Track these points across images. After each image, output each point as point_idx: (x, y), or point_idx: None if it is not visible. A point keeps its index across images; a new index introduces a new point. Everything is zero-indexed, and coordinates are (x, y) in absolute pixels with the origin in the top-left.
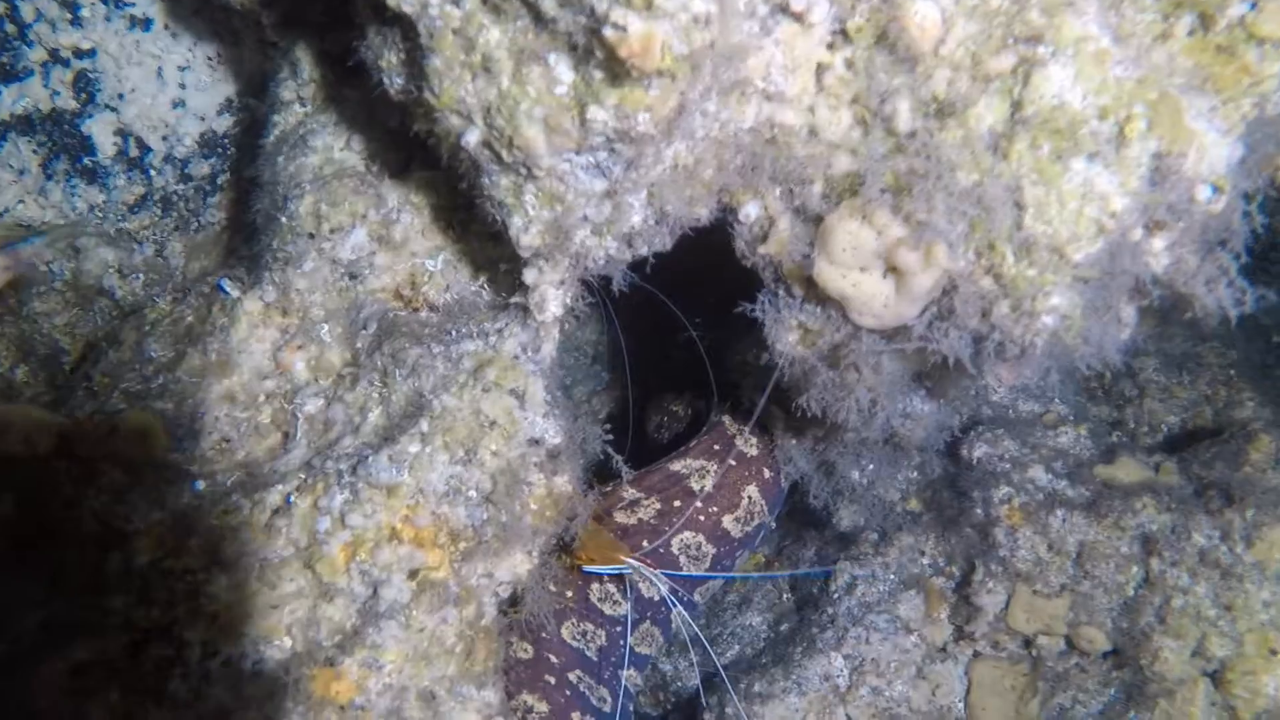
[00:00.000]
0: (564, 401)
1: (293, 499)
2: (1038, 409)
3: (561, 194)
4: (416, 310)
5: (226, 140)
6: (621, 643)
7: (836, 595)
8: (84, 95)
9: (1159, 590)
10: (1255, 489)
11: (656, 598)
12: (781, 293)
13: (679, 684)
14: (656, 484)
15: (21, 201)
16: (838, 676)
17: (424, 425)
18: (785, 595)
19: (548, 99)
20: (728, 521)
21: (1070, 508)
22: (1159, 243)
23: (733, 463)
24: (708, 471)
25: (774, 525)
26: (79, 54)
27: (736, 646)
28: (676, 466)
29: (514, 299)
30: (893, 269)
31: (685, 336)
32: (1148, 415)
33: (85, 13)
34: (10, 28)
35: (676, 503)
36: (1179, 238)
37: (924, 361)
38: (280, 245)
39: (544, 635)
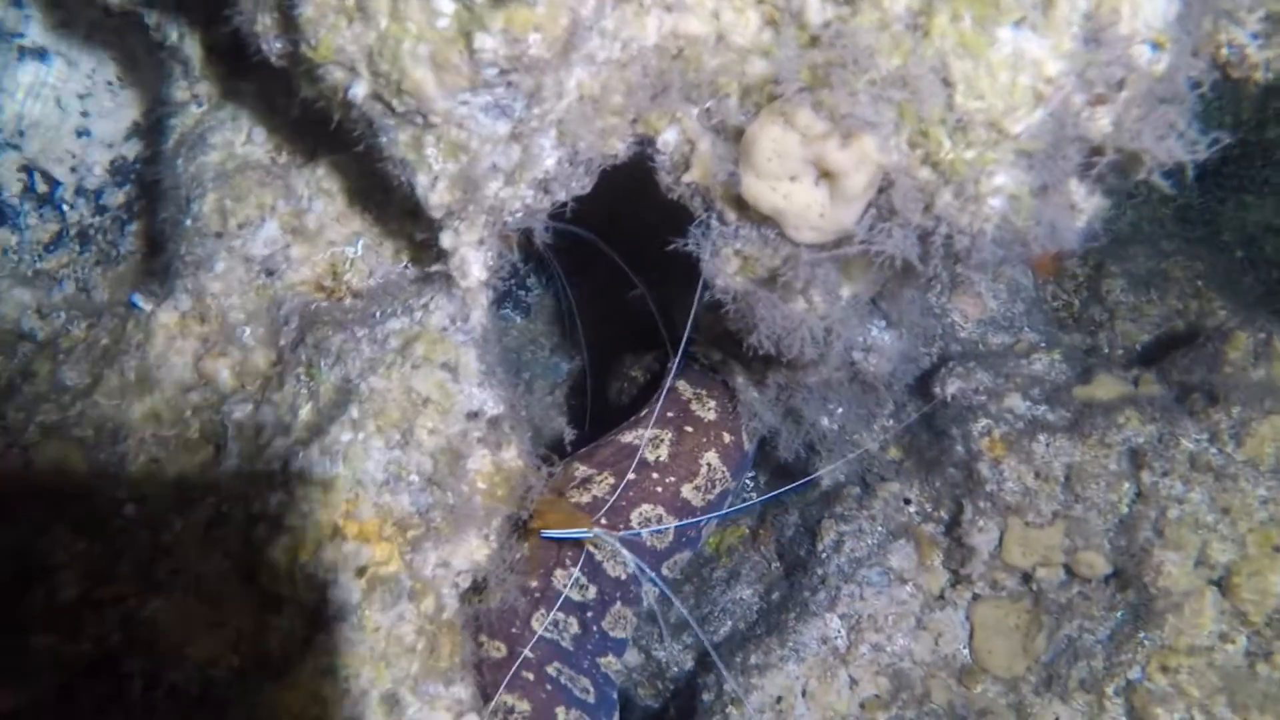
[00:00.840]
0: (503, 372)
1: (225, 509)
2: (1008, 339)
3: (464, 142)
4: (340, 300)
5: (138, 165)
6: (595, 629)
7: (825, 554)
8: None
9: (1153, 503)
10: (1238, 386)
11: (624, 576)
12: (714, 221)
13: (675, 669)
14: (608, 458)
15: None
16: (836, 638)
17: (354, 412)
18: (774, 564)
19: (431, 34)
20: (687, 490)
21: (1052, 432)
22: (1102, 109)
23: (689, 429)
24: (662, 440)
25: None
26: None
27: (729, 622)
28: (628, 438)
29: (434, 267)
30: (824, 174)
31: (637, 294)
32: (1121, 337)
33: None
34: None
35: (631, 475)
36: (1123, 105)
37: (872, 275)
38: (189, 249)
39: (514, 630)
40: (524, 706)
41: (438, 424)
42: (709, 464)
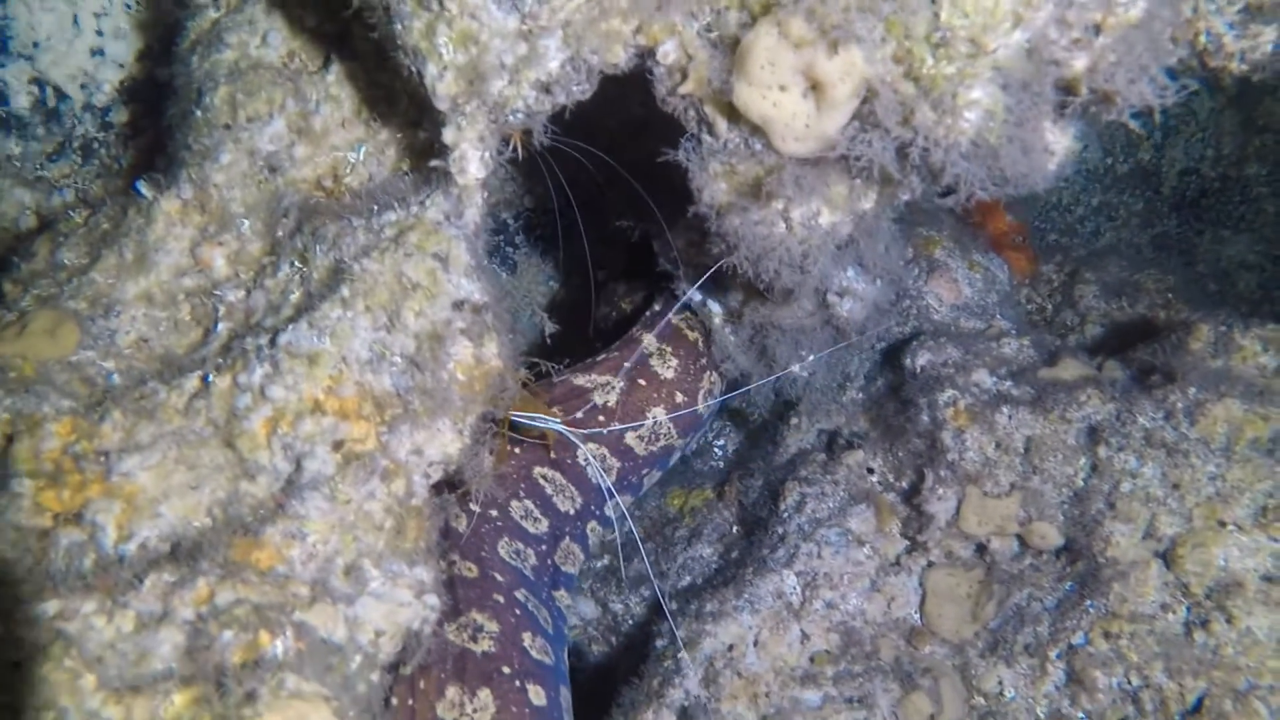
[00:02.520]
0: (491, 275)
1: (211, 378)
2: (980, 325)
3: (475, 33)
4: (339, 199)
5: (148, 86)
6: (549, 562)
7: (786, 514)
8: None
9: (1107, 477)
10: (1196, 370)
11: (571, 511)
12: (704, 135)
13: (631, 622)
14: (559, 395)
15: None
16: (790, 594)
17: (344, 291)
18: (735, 527)
19: None
20: (630, 438)
21: (1016, 405)
22: (1080, 50)
23: (641, 382)
24: (612, 388)
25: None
26: None
27: (688, 578)
28: (580, 380)
29: (434, 162)
30: (812, 85)
31: (632, 227)
32: (1090, 342)
33: None
34: None
35: (579, 415)
36: (1098, 49)
37: (851, 199)
38: (196, 139)
39: (484, 554)
40: (493, 627)
41: (425, 308)
42: (654, 418)
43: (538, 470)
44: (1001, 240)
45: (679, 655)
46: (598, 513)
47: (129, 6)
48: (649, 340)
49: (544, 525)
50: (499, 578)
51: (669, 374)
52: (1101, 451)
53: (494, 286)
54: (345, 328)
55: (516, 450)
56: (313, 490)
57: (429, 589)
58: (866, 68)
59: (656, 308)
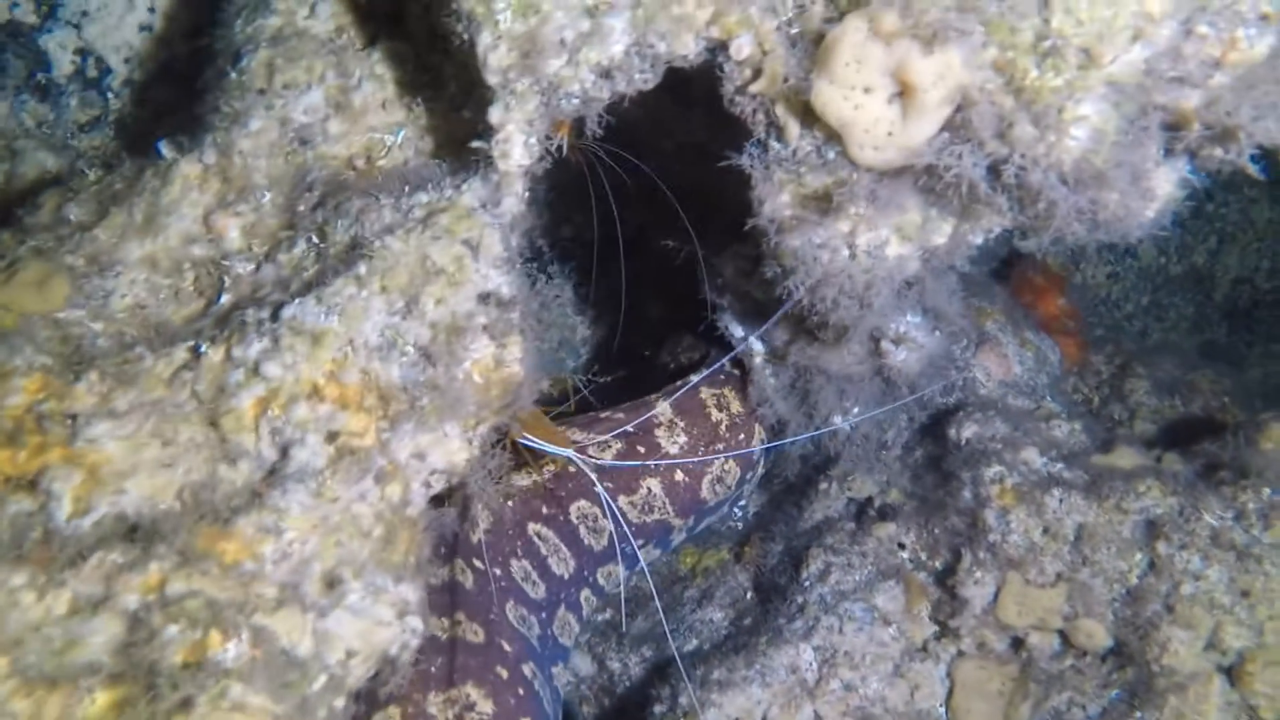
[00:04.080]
0: (523, 276)
1: (204, 349)
2: (1028, 404)
3: (537, 3)
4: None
5: (192, 65)
6: (549, 632)
7: (807, 582)
8: (45, 9)
9: (1166, 576)
10: (1269, 469)
11: (566, 575)
12: (773, 140)
13: (627, 682)
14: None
15: None
16: (806, 669)
17: (361, 268)
18: (749, 593)
19: None
20: (623, 502)
21: (1068, 488)
22: (1195, 83)
23: (640, 449)
24: (608, 447)
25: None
26: None
27: (694, 641)
28: (578, 435)
29: (475, 143)
30: (901, 89)
31: (678, 249)
32: (1140, 439)
33: None
34: None
35: (570, 469)
36: (1217, 84)
37: (924, 229)
38: (227, 102)
39: (492, 617)
40: (486, 708)
41: (447, 296)
42: (649, 489)
43: (531, 527)
44: (1053, 324)
45: None
46: (590, 579)
47: None
48: (662, 408)
49: (541, 590)
50: (506, 647)
51: (673, 449)
52: (1161, 548)
53: (526, 288)
54: (357, 307)
55: (509, 502)
56: (297, 483)
57: (413, 610)
58: (964, 72)
59: (700, 374)
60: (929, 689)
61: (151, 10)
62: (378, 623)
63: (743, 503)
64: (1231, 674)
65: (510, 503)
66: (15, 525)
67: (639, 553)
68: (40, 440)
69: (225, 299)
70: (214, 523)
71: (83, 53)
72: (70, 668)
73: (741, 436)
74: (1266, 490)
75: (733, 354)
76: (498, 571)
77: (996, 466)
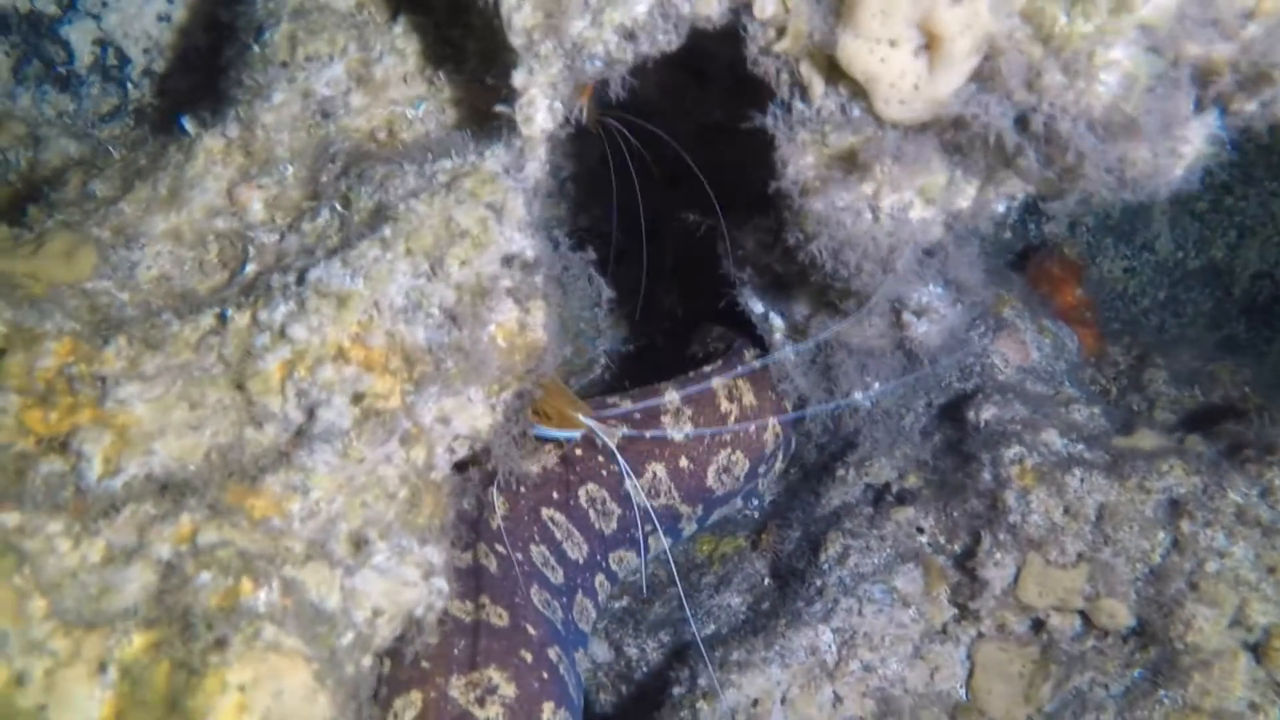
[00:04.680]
0: (546, 241)
1: (229, 313)
2: (1047, 390)
3: None
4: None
5: (211, 55)
6: (571, 616)
7: (826, 565)
8: (66, 0)
9: (1190, 554)
10: None
11: (581, 559)
12: (796, 100)
13: (644, 669)
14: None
15: None
16: (825, 650)
17: (386, 231)
18: (767, 579)
19: None
20: (629, 486)
21: (1089, 468)
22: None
23: (646, 434)
24: (615, 433)
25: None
26: None
27: (712, 626)
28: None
29: (499, 107)
30: (928, 41)
31: (698, 221)
32: (1159, 427)
33: None
34: None
35: (578, 452)
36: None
37: (950, 188)
38: (250, 76)
39: (518, 600)
40: (509, 691)
41: (472, 257)
42: (655, 473)
43: (545, 512)
44: (1070, 314)
45: (698, 705)
46: (604, 564)
47: None
48: (670, 396)
49: (560, 575)
50: (531, 631)
51: (678, 436)
52: (1185, 526)
53: (549, 252)
54: (382, 270)
55: (522, 489)
56: (324, 443)
57: (438, 571)
58: (991, 21)
59: (717, 364)
60: (949, 670)
61: (170, 1)
62: (404, 583)
63: (758, 496)
64: (1258, 650)
65: (523, 488)
66: (48, 484)
67: (649, 539)
68: (71, 401)
69: (249, 269)
70: (242, 480)
71: (103, 43)
72: (106, 613)
73: (752, 429)
74: None
75: (749, 366)
76: (519, 556)
77: (1016, 447)
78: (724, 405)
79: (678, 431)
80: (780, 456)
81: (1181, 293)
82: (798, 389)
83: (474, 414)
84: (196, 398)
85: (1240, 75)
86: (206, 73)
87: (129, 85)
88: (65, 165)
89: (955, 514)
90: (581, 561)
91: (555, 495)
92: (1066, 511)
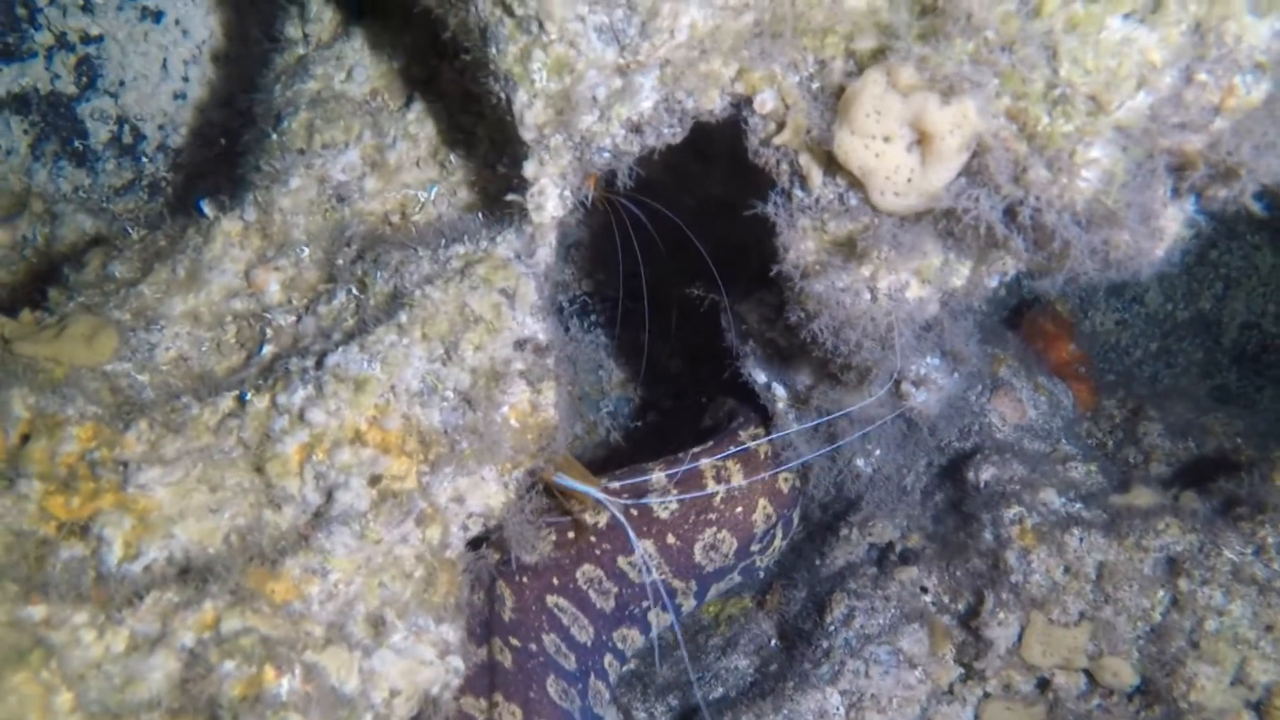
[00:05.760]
0: (556, 323)
1: (248, 396)
2: (1044, 447)
3: (571, 62)
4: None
5: (224, 131)
6: (587, 701)
7: (832, 627)
8: (85, 80)
9: (1190, 612)
10: None
11: (589, 643)
12: (796, 189)
13: None
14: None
15: (4, 179)
16: (833, 714)
17: (402, 317)
18: (774, 640)
19: None
20: (622, 562)
21: (1088, 527)
22: (1198, 129)
23: (633, 512)
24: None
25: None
26: (86, 39)
27: (720, 689)
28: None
29: (511, 196)
30: (919, 138)
31: (701, 296)
32: (1155, 479)
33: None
34: (22, 10)
35: (569, 535)
36: (1219, 127)
37: (942, 271)
38: (268, 161)
39: (532, 695)
40: None
41: (485, 343)
42: (642, 549)
43: (550, 599)
44: (1064, 369)
45: None
46: (610, 643)
47: (217, 59)
48: (657, 476)
49: (573, 661)
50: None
51: (664, 515)
52: (1183, 584)
53: (560, 335)
54: (399, 355)
55: (525, 579)
56: (342, 525)
57: (453, 650)
58: (979, 120)
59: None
60: None
61: (185, 79)
62: (420, 662)
63: (756, 573)
64: (1260, 709)
65: (525, 578)
66: (69, 570)
67: (648, 615)
68: (93, 486)
69: (267, 350)
70: (262, 564)
71: (119, 120)
72: (131, 703)
73: (739, 510)
74: None
75: (738, 449)
76: (533, 647)
77: (1016, 507)
78: (710, 485)
79: (663, 510)
80: (780, 534)
81: (1173, 344)
82: (801, 457)
83: (487, 492)
84: (216, 481)
85: (1212, 169)
86: (220, 148)
87: (143, 160)
88: (81, 241)
89: (958, 573)
90: (590, 644)
91: (556, 581)
92: (1067, 570)
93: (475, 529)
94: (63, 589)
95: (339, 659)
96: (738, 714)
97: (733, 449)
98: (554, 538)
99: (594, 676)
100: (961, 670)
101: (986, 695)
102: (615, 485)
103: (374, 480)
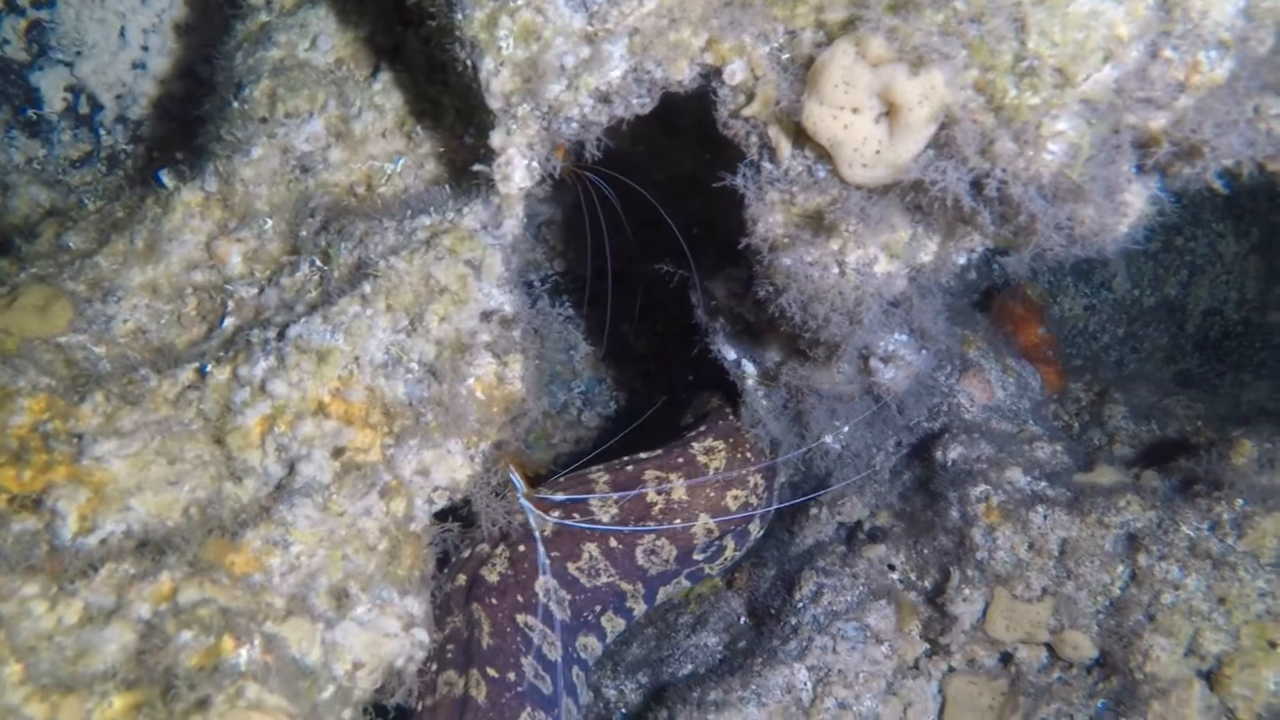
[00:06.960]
0: (524, 297)
1: (209, 368)
2: (1011, 429)
3: (539, 29)
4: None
5: (185, 103)
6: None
7: (801, 604)
8: (36, 47)
9: (1147, 586)
10: (1241, 481)
11: (559, 660)
12: (765, 161)
13: (622, 711)
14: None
15: None
16: (801, 688)
17: (366, 288)
18: (743, 618)
19: None
20: (571, 569)
21: (1051, 505)
22: (1163, 106)
23: (576, 515)
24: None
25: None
26: (37, 4)
27: (689, 665)
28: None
29: (477, 167)
30: (888, 109)
31: (671, 272)
32: (1118, 461)
33: None
34: None
35: (521, 547)
36: (1184, 103)
37: (911, 245)
38: (229, 130)
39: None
40: None
41: (451, 314)
42: (588, 553)
43: (520, 619)
44: (1032, 352)
45: None
46: (574, 654)
47: (178, 28)
48: (600, 483)
49: (549, 684)
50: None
51: (604, 518)
52: (1142, 560)
53: (527, 307)
54: (362, 325)
55: (494, 601)
56: (304, 497)
57: (418, 623)
58: (947, 92)
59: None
60: (922, 705)
61: (145, 48)
62: (384, 634)
63: (702, 578)
64: (1210, 678)
65: (492, 599)
66: (20, 543)
67: (602, 620)
68: (45, 459)
69: (228, 322)
70: (222, 536)
71: (74, 90)
72: (84, 675)
73: (677, 521)
74: (1239, 501)
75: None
76: (511, 677)
77: (982, 486)
78: (650, 497)
79: (604, 513)
80: (734, 545)
81: (1139, 329)
82: (770, 433)
83: (453, 465)
84: (175, 453)
85: (1176, 146)
86: (180, 120)
87: (101, 131)
88: (34, 213)
89: (925, 551)
90: (560, 660)
91: (520, 599)
92: (1031, 547)
93: (441, 502)
94: (13, 561)
95: (300, 630)
96: (706, 689)
97: (680, 460)
98: (508, 554)
99: (567, 696)
100: (927, 646)
101: (951, 670)
102: (560, 495)
103: (337, 452)
